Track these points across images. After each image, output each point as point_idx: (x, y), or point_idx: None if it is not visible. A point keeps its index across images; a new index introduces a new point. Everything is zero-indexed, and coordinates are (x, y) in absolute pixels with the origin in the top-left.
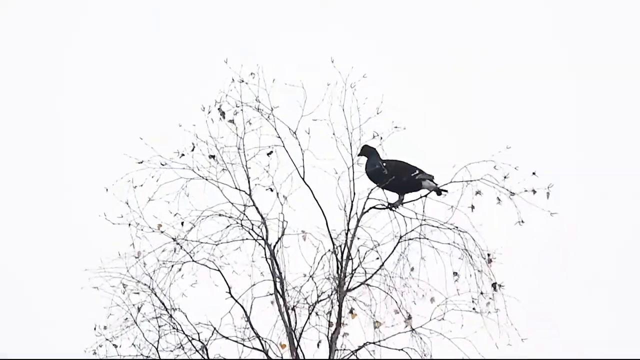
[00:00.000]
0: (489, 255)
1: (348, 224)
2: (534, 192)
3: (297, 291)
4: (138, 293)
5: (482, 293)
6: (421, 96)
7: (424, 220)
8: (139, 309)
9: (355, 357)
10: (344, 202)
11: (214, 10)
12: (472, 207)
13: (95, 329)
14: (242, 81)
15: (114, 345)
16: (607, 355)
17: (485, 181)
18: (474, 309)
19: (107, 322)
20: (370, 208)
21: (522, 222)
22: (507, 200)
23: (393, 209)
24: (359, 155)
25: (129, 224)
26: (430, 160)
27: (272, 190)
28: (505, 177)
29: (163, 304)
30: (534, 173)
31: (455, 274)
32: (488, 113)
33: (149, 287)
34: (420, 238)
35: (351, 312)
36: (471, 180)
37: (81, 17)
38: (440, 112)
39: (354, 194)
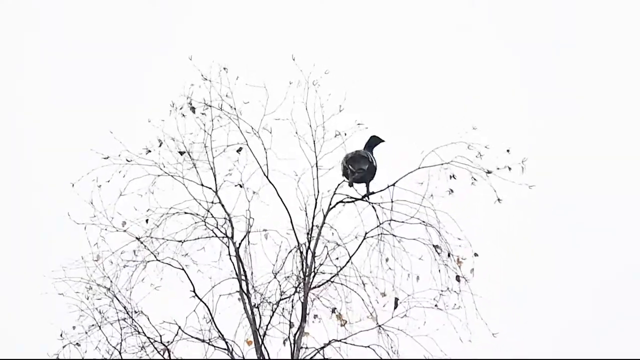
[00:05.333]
0: (458, 257)
1: (313, 221)
2: (510, 168)
3: (261, 290)
4: (100, 299)
5: (447, 289)
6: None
7: (389, 220)
8: (101, 313)
9: (321, 356)
10: (306, 201)
11: (181, 5)
12: (451, 190)
13: (61, 335)
14: (206, 79)
15: (76, 344)
16: (583, 355)
17: (457, 163)
18: (436, 305)
19: (70, 325)
20: (337, 203)
21: (500, 200)
22: (481, 180)
23: (366, 199)
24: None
25: (92, 222)
26: (395, 150)
27: (240, 186)
28: (479, 155)
29: (124, 307)
30: (508, 150)
31: (417, 278)
32: (447, 97)
33: (109, 289)
34: (385, 234)
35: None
36: (443, 163)
37: (47, 7)
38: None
39: (318, 192)
